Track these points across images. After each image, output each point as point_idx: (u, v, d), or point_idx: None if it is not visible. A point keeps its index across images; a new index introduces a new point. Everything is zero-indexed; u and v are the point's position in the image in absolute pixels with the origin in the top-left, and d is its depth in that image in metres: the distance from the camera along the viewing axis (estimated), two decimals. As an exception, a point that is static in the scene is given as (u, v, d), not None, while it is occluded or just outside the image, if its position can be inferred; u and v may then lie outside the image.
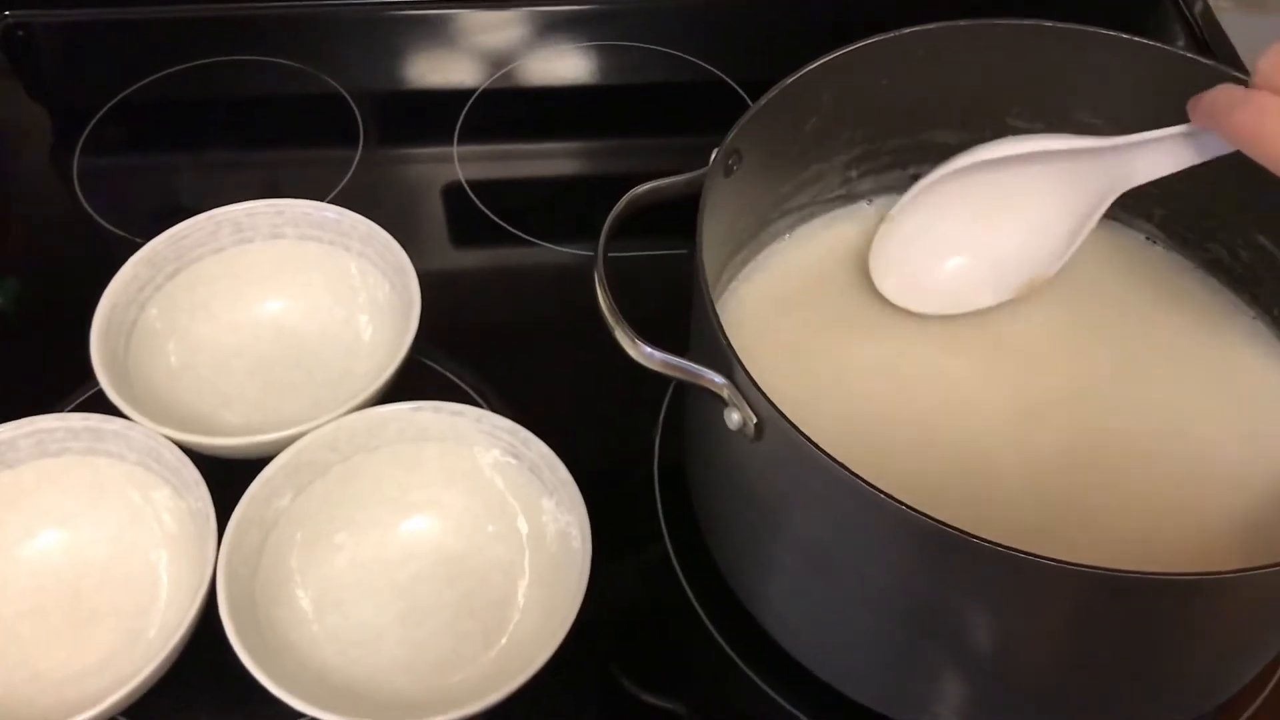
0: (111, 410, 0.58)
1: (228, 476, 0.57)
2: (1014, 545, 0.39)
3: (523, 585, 0.58)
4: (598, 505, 0.56)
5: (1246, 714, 0.57)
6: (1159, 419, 0.57)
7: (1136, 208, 0.64)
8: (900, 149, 0.64)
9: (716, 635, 0.59)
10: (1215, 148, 0.52)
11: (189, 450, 0.57)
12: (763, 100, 0.55)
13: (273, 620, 0.55)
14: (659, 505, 0.64)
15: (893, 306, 0.60)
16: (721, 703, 0.58)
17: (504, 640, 0.56)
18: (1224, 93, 0.49)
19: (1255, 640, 0.51)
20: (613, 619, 0.60)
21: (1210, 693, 0.54)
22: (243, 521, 0.55)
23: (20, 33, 0.91)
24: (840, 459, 0.42)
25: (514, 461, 0.59)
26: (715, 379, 0.47)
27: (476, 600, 0.58)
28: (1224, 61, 0.61)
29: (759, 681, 0.58)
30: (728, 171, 0.54)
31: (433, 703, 0.51)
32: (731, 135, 0.54)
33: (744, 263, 0.63)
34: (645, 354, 0.48)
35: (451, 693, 0.54)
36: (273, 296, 0.67)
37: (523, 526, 0.59)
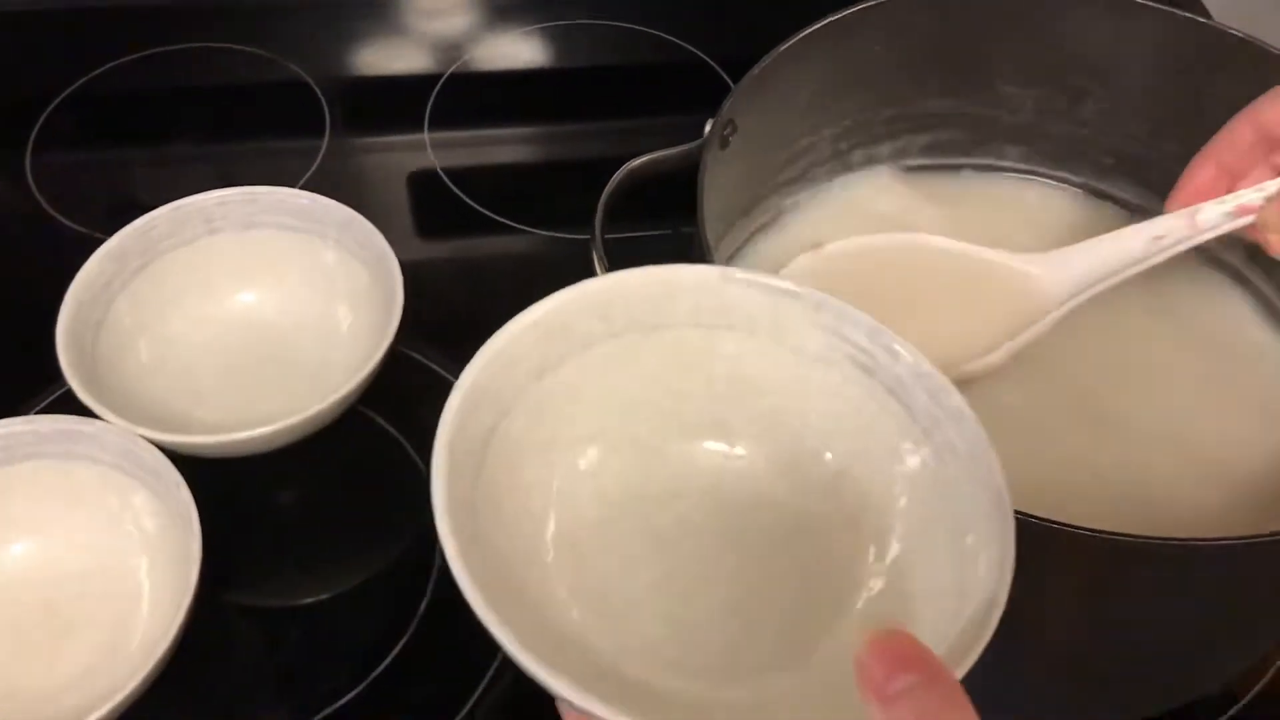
0: (81, 413, 0.55)
1: (204, 477, 0.54)
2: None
3: (868, 560, 0.39)
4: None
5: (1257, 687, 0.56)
6: (1162, 394, 0.56)
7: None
8: (893, 119, 0.62)
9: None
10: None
11: (166, 451, 0.54)
12: (758, 68, 0.53)
13: (497, 545, 0.37)
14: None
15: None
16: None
17: (829, 642, 0.38)
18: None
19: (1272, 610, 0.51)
20: None
21: (1220, 670, 0.54)
22: (474, 391, 0.38)
23: (-38, 24, 0.88)
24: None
25: (864, 377, 0.40)
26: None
27: (782, 572, 0.40)
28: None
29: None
30: (724, 143, 0.52)
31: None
32: (726, 105, 0.52)
33: (740, 234, 0.61)
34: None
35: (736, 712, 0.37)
36: (246, 288, 0.65)
37: (864, 469, 0.40)
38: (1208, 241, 0.52)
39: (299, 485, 0.63)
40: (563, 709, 0.35)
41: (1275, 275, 0.60)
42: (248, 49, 0.85)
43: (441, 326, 0.67)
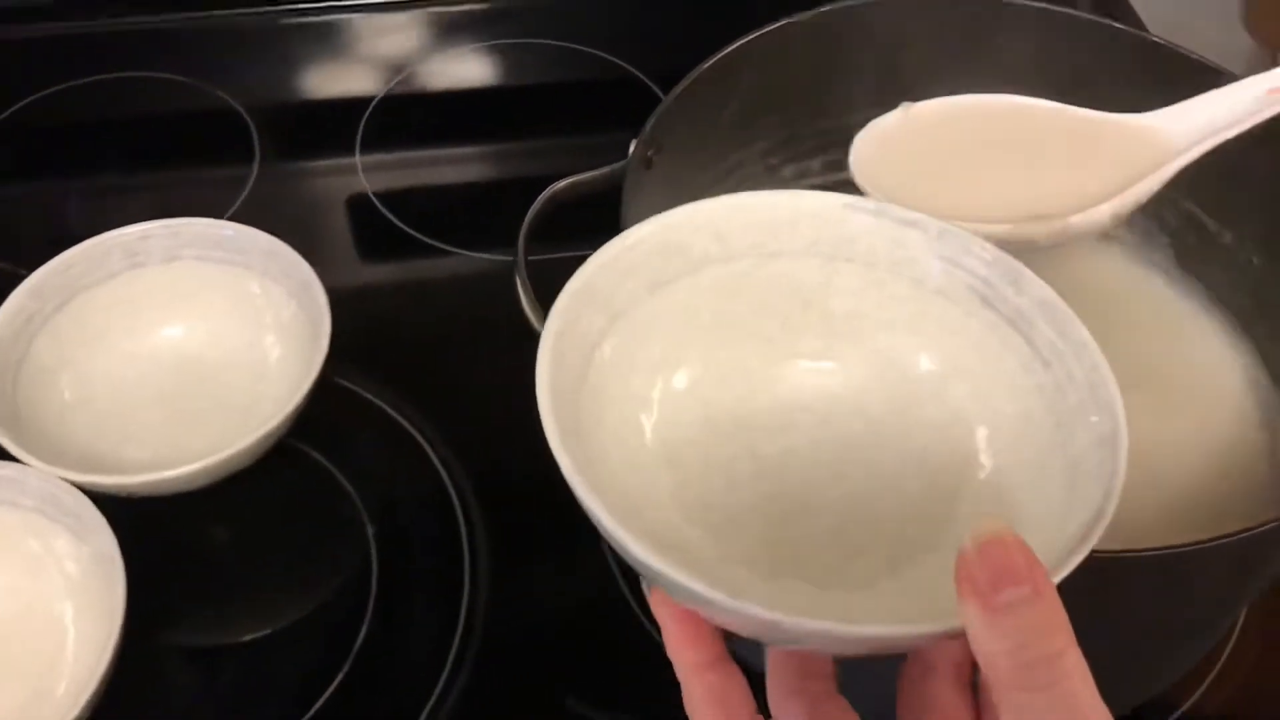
0: (1, 456, 0.54)
1: (135, 514, 0.54)
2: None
3: (978, 494, 0.38)
4: (533, 518, 0.54)
5: (1195, 696, 0.56)
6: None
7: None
8: (822, 132, 0.62)
9: (658, 638, 0.55)
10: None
11: (92, 492, 0.53)
12: (680, 87, 0.53)
13: (600, 446, 0.37)
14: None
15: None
16: (670, 713, 0.56)
17: (929, 558, 0.37)
18: None
19: (1209, 612, 0.51)
20: (552, 626, 0.58)
21: (1157, 674, 0.54)
22: (585, 290, 0.37)
23: (-121, 57, 0.86)
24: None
25: (985, 310, 0.39)
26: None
27: (888, 506, 0.39)
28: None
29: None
30: (648, 163, 0.52)
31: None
32: (650, 125, 0.52)
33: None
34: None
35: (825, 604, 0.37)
36: (172, 322, 0.64)
37: (981, 406, 0.39)
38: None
39: (232, 521, 0.62)
40: (654, 603, 0.35)
41: (1209, 279, 0.60)
42: (174, 77, 0.84)
43: (375, 354, 0.66)
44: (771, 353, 0.41)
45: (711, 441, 0.40)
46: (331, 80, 0.87)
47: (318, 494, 0.62)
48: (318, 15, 0.89)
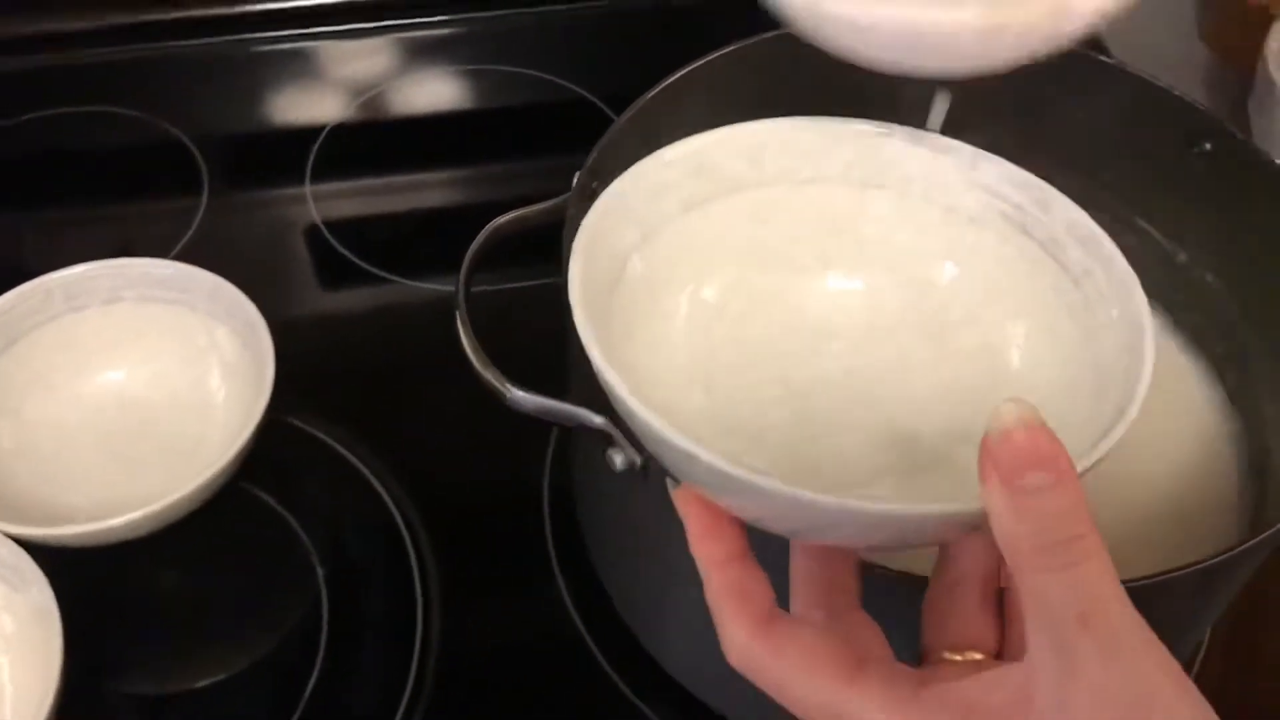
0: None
1: (81, 561, 0.53)
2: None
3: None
4: (485, 553, 0.53)
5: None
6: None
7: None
8: (772, 158, 0.61)
9: (613, 675, 0.57)
10: None
11: (31, 543, 0.52)
12: (623, 117, 0.52)
13: (627, 357, 0.37)
14: (550, 546, 0.61)
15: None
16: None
17: (951, 469, 0.38)
18: None
19: (1175, 635, 0.50)
20: (506, 664, 0.57)
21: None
22: (616, 203, 0.38)
23: None
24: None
25: (1017, 235, 0.39)
26: (594, 419, 0.43)
27: (914, 429, 0.40)
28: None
29: (657, 720, 0.56)
30: (592, 195, 0.51)
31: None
32: (593, 156, 0.51)
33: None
34: (515, 398, 0.45)
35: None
36: (115, 364, 0.63)
37: (1014, 331, 0.40)
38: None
39: (179, 566, 0.61)
40: (679, 500, 0.35)
41: (1166, 298, 0.60)
42: (120, 110, 0.83)
43: (323, 390, 0.65)
44: (805, 281, 0.42)
45: (741, 365, 0.40)
46: (280, 110, 0.86)
47: (266, 536, 0.61)
48: (263, 45, 0.88)
